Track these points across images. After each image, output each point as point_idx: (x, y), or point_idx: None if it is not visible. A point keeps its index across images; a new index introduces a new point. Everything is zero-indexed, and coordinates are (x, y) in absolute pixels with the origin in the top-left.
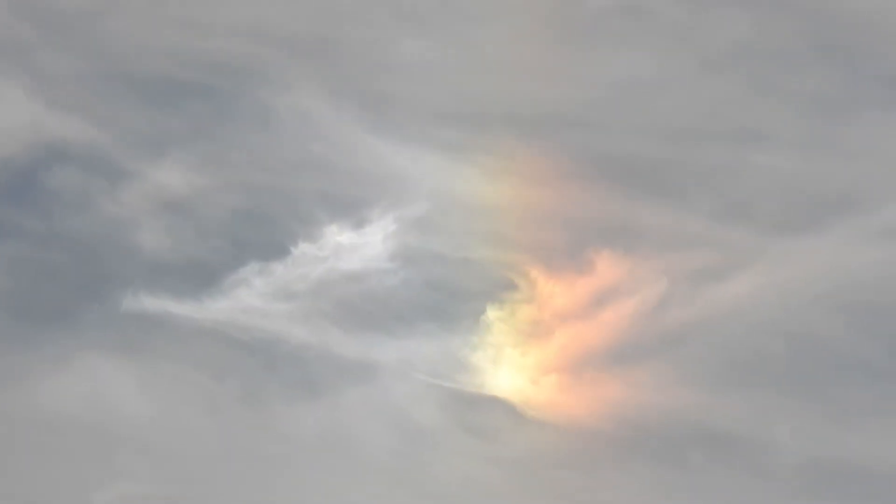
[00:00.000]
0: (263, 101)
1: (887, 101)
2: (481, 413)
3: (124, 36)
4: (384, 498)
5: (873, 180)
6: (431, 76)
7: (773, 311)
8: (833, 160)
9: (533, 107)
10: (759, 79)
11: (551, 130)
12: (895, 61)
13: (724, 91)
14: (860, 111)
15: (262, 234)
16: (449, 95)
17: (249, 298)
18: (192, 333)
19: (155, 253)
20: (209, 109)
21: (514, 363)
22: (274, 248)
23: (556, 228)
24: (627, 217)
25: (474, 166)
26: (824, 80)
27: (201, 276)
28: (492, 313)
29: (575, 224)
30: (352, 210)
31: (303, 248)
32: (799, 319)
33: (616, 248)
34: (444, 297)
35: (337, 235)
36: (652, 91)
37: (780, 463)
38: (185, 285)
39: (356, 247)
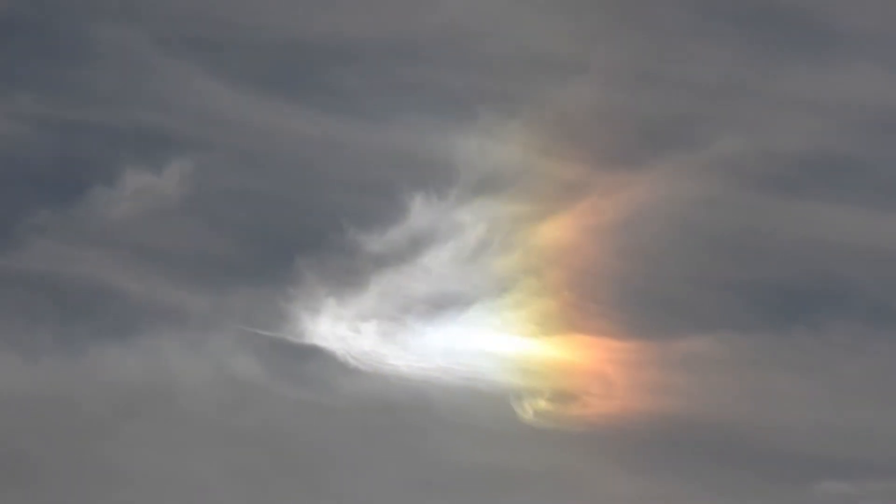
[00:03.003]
0: (77, 35)
1: (723, 35)
2: (303, 363)
3: None
4: (209, 450)
5: (704, 113)
6: (252, 8)
7: (600, 251)
8: (663, 92)
9: (360, 41)
10: (600, 12)
11: (377, 65)
12: None
13: (556, 24)
14: (696, 44)
15: (62, 176)
16: (270, 27)
17: (50, 243)
18: None
19: None
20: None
21: (332, 312)
22: (73, 191)
23: (368, 169)
24: (442, 156)
25: (292, 102)
26: (666, 14)
27: (2, 222)
28: (304, 261)
29: (388, 164)
30: (154, 150)
31: (100, 191)
32: (629, 260)
33: (430, 190)
34: (253, 243)
35: (136, 176)
36: (486, 26)
37: (613, 413)
38: None
39: (153, 188)
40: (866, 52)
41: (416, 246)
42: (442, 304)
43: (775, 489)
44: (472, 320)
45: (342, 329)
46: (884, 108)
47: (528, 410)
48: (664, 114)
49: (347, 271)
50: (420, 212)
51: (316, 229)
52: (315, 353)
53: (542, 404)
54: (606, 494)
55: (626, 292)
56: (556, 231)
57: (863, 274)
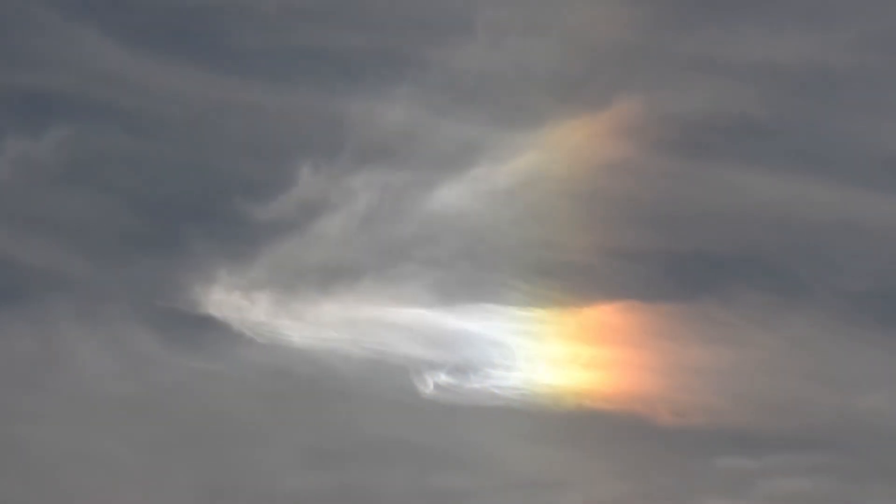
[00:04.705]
0: None
1: None
2: (198, 333)
3: None
4: (111, 425)
5: (602, 73)
6: None
7: (497, 218)
8: (559, 52)
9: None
10: None
11: (267, 25)
12: None
13: None
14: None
15: None
16: None
17: None
18: None
19: None
20: None
21: (224, 282)
22: None
23: (257, 133)
24: (331, 120)
25: (182, 63)
26: None
27: None
28: (194, 229)
29: (276, 128)
30: (36, 112)
31: None
32: (527, 227)
33: (319, 156)
34: (141, 210)
35: (16, 141)
36: None
37: (515, 385)
38: None
39: (35, 153)
40: (776, 11)
41: (306, 213)
42: (336, 274)
43: (676, 463)
44: (366, 290)
45: (235, 298)
46: (795, 70)
47: (427, 383)
48: (559, 74)
49: (238, 240)
50: (309, 178)
51: (205, 196)
52: (209, 323)
53: (443, 377)
54: (507, 469)
55: (526, 260)
56: (451, 197)
57: (774, 243)
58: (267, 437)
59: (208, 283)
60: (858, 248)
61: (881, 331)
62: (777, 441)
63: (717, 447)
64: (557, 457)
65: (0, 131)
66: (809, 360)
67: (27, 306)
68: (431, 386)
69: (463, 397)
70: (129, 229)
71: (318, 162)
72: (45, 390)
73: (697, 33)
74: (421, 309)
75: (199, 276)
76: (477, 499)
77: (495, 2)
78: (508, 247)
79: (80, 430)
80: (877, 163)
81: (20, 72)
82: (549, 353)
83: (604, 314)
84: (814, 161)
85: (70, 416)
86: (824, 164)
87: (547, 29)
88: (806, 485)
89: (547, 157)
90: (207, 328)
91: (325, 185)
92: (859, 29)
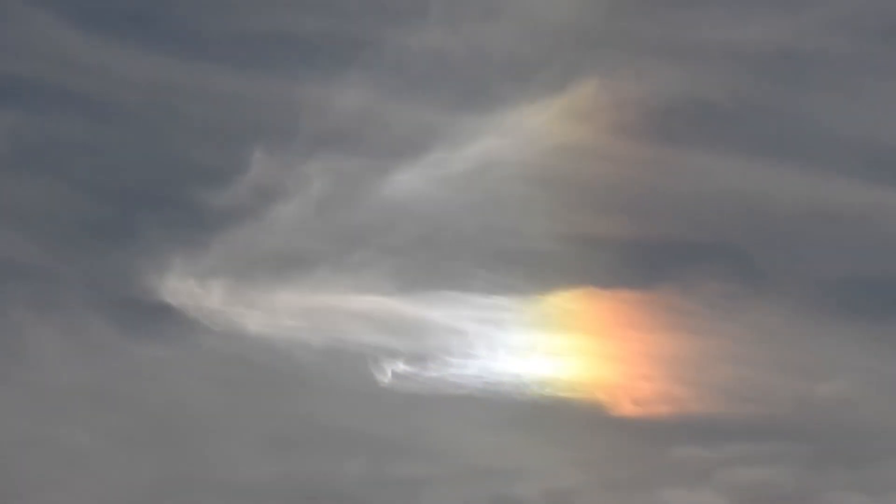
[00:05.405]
0: None
1: None
2: (153, 321)
3: None
4: (65, 412)
5: (558, 56)
6: None
7: (453, 204)
8: (512, 31)
9: None
10: None
11: (233, 10)
12: None
13: None
14: None
15: None
16: None
17: None
18: None
19: None
20: None
21: (179, 269)
22: None
23: (210, 118)
24: (284, 105)
25: (140, 48)
26: None
27: None
28: (147, 216)
29: (229, 113)
30: None
31: None
32: (483, 213)
33: (272, 142)
34: (94, 199)
35: None
36: None
37: (473, 374)
38: None
39: None
40: None
41: (260, 200)
42: (291, 261)
43: (635, 452)
44: (323, 277)
45: (190, 286)
46: (759, 53)
47: (385, 371)
48: (516, 57)
49: (192, 227)
50: (263, 164)
51: (158, 182)
52: (164, 311)
53: (401, 365)
54: (465, 457)
55: (485, 247)
56: (407, 183)
57: (736, 230)
58: (223, 424)
59: (163, 271)
60: (821, 235)
61: (842, 319)
62: (737, 430)
63: (677, 436)
64: (516, 445)
65: None
66: (770, 348)
67: None
68: (389, 374)
69: (421, 386)
70: (82, 217)
71: (271, 148)
72: (4, 381)
73: (658, 15)
74: (378, 296)
75: (154, 263)
76: (434, 487)
77: None
78: (466, 233)
79: (35, 418)
80: (842, 149)
81: None
82: (508, 341)
83: (564, 302)
84: (777, 147)
85: (25, 403)
86: (788, 149)
87: (503, 11)
88: (765, 473)
89: (504, 142)
90: (162, 316)
91: (280, 172)
92: (825, 12)
